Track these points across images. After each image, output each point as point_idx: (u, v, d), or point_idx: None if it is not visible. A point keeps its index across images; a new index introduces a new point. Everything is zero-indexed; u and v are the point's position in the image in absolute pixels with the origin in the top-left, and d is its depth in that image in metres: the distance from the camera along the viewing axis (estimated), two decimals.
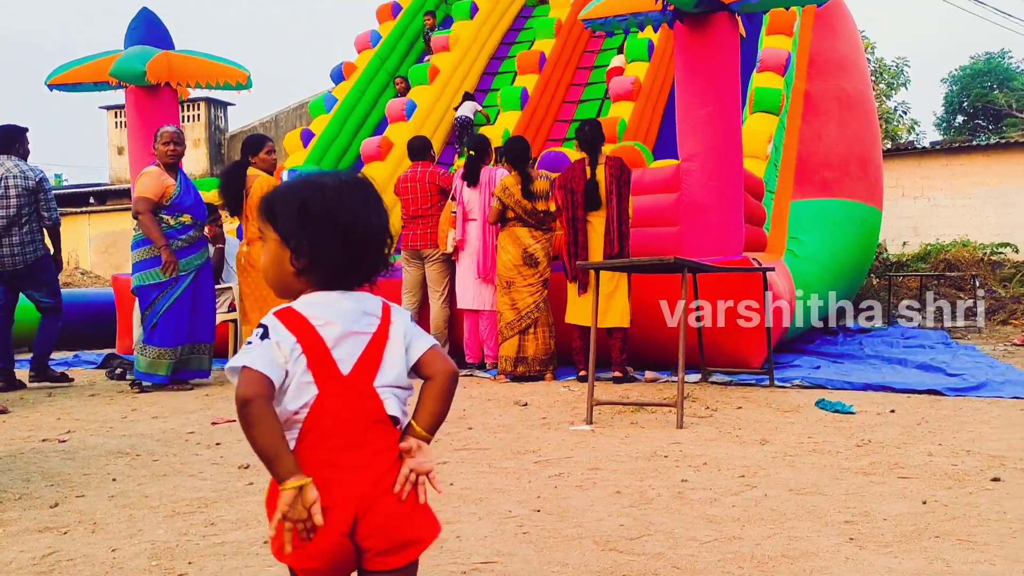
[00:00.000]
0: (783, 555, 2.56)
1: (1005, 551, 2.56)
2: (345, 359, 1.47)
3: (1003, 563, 2.45)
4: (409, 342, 1.51)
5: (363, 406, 1.47)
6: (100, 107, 24.52)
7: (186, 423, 5.03)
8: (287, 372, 1.45)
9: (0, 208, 6.35)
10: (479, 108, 11.49)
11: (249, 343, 1.47)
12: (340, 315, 1.49)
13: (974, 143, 15.64)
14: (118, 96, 9.00)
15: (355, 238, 1.47)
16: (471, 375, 6.98)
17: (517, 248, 6.65)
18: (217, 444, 4.40)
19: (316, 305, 1.49)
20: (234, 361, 1.45)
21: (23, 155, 6.60)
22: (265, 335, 1.46)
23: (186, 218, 6.44)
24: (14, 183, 6.39)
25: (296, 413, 1.46)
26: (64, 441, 4.54)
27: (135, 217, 6.34)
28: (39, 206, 6.49)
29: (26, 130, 6.71)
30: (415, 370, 1.52)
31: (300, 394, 1.45)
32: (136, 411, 5.53)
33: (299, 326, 1.47)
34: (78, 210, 21.52)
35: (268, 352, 1.44)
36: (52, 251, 6.74)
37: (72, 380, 7.00)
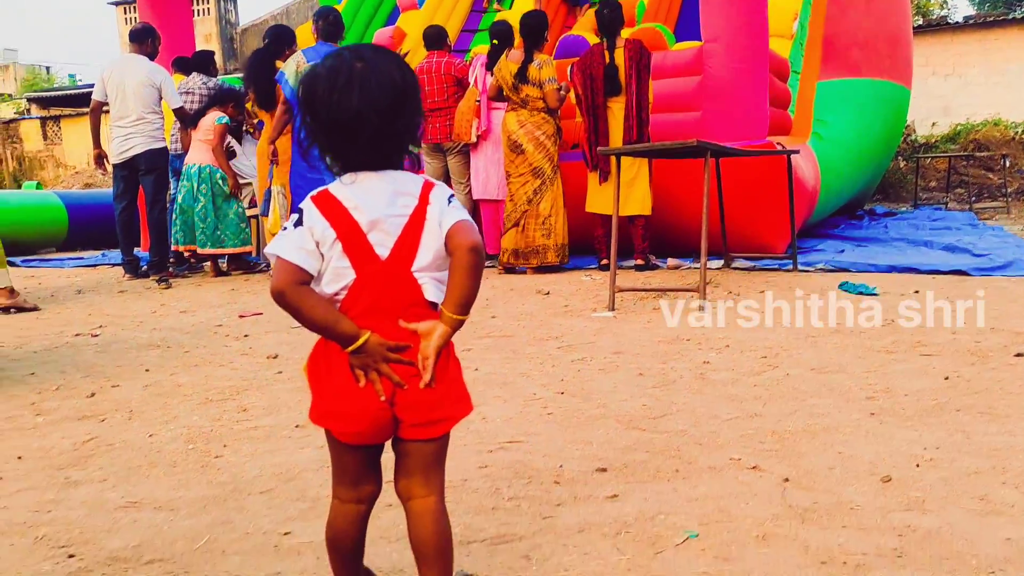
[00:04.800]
0: (804, 430, 2.60)
1: None
2: (382, 243, 1.46)
3: (1023, 435, 2.48)
4: (441, 220, 1.47)
5: (401, 291, 1.46)
6: (109, 3, 24.07)
7: (214, 317, 5.11)
8: (323, 256, 1.45)
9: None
10: None
11: (285, 228, 1.47)
12: (372, 198, 1.46)
13: (1010, 16, 15.02)
14: None
15: (341, 121, 1.43)
16: (492, 266, 7.00)
17: (505, 135, 6.53)
18: (245, 336, 4.48)
19: (349, 187, 1.47)
20: (270, 247, 1.47)
21: (213, 74, 7.99)
22: (299, 221, 1.46)
23: None
24: (199, 93, 7.58)
25: (336, 295, 1.47)
26: (96, 335, 4.64)
27: None
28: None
29: (213, 54, 8.36)
30: (445, 248, 1.48)
31: (338, 278, 1.46)
32: (164, 306, 5.63)
33: (333, 210, 1.46)
34: None
35: (300, 240, 1.45)
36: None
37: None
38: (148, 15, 8.88)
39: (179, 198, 7.18)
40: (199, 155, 7.13)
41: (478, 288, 1.48)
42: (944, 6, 21.75)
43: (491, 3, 10.99)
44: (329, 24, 6.22)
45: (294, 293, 1.43)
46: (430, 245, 1.47)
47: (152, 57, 7.19)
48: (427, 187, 1.50)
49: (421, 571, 1.52)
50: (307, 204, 1.48)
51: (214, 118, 7.09)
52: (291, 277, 1.43)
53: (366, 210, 1.46)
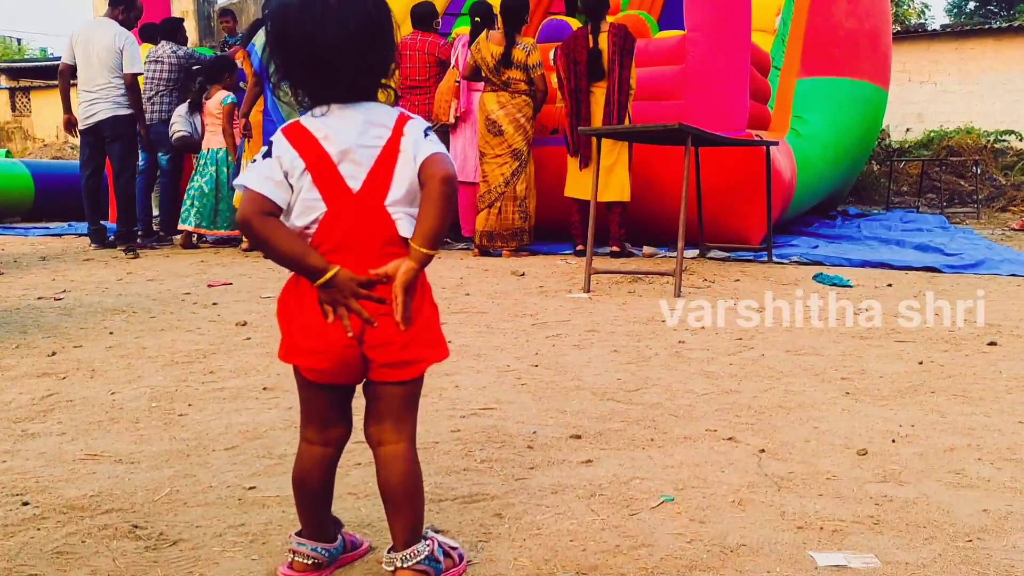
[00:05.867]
0: (780, 406, 2.58)
1: (1000, 405, 2.58)
2: (353, 175, 1.41)
3: (998, 416, 2.48)
4: (416, 152, 1.42)
5: (374, 226, 1.41)
6: None
7: (182, 285, 5.00)
8: (292, 188, 1.40)
9: (161, 82, 7.49)
10: None
11: (254, 160, 1.42)
12: (343, 128, 1.41)
13: (986, 27, 15.19)
14: None
15: (317, 55, 1.37)
16: (468, 248, 6.94)
17: (482, 115, 6.48)
18: (214, 304, 4.38)
19: (320, 118, 1.42)
20: (238, 179, 1.42)
21: (182, 42, 7.85)
22: (268, 153, 1.41)
23: None
24: (168, 62, 7.51)
25: (306, 228, 1.41)
26: (60, 299, 4.52)
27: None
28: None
29: (182, 21, 8.18)
30: (418, 180, 1.43)
31: (308, 210, 1.40)
32: (131, 274, 5.51)
33: (303, 140, 1.41)
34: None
35: (268, 170, 1.40)
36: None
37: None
38: None
39: (199, 181, 7.03)
40: (214, 139, 7.05)
41: (449, 222, 1.44)
42: (922, 15, 21.94)
43: None
44: None
45: (261, 224, 1.38)
46: (404, 177, 1.42)
47: (128, 26, 7.01)
48: (402, 119, 1.45)
49: (390, 519, 1.47)
50: (277, 136, 1.44)
51: (219, 99, 6.93)
52: (257, 207, 1.38)
53: (336, 140, 1.41)
